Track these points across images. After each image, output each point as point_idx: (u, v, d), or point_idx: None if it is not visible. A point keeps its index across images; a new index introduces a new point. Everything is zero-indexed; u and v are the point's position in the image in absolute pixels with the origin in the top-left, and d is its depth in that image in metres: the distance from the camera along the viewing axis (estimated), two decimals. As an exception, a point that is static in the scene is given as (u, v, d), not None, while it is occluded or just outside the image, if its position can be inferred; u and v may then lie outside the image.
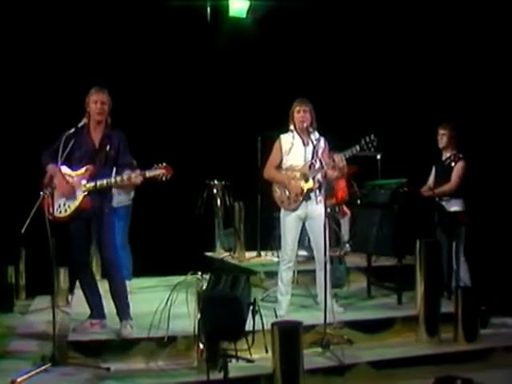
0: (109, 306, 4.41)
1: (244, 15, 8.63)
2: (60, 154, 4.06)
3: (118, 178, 4.16)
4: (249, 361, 3.37)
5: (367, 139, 4.56)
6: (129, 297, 4.38)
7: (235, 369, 3.82)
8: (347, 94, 7.53)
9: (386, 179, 5.77)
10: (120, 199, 6.11)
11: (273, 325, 3.67)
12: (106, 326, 4.33)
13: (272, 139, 7.44)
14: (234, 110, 7.93)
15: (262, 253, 7.55)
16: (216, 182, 7.96)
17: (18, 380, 3.61)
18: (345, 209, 7.61)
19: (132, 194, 6.13)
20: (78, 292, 5.88)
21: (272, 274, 6.01)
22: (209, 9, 8.73)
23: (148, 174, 4.10)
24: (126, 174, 4.15)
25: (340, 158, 4.61)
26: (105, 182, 4.17)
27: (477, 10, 6.12)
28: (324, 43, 7.85)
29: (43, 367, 3.79)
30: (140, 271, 6.41)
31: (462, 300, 4.46)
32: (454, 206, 5.38)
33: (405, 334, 4.60)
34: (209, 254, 8.29)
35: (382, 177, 6.90)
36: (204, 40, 7.91)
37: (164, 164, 4.10)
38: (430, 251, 4.48)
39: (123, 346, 4.02)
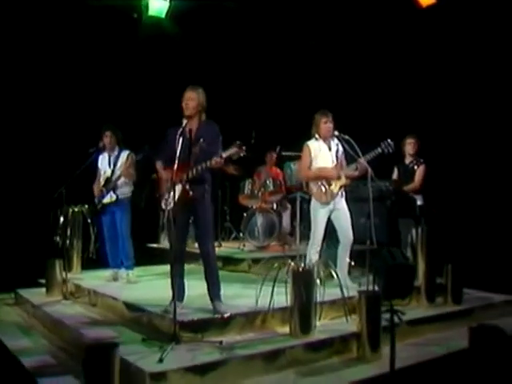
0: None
1: (163, 15, 9.12)
2: (164, 151, 4.64)
3: (203, 164, 4.59)
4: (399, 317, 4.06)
5: (386, 143, 5.67)
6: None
7: (327, 331, 4.73)
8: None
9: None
10: (123, 191, 6.47)
11: (360, 293, 4.67)
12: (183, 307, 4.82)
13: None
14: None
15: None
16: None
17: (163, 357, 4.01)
18: (287, 203, 8.69)
19: (132, 186, 6.54)
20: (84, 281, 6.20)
21: (257, 261, 6.87)
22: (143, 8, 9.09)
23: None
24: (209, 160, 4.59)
25: (363, 161, 5.65)
26: (194, 170, 4.62)
27: (438, 35, 7.48)
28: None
29: (170, 346, 4.16)
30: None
31: (452, 273, 5.83)
32: (418, 201, 6.77)
33: (404, 302, 5.80)
34: (153, 245, 8.77)
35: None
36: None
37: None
38: (430, 236, 5.76)
39: (222, 322, 4.60)
